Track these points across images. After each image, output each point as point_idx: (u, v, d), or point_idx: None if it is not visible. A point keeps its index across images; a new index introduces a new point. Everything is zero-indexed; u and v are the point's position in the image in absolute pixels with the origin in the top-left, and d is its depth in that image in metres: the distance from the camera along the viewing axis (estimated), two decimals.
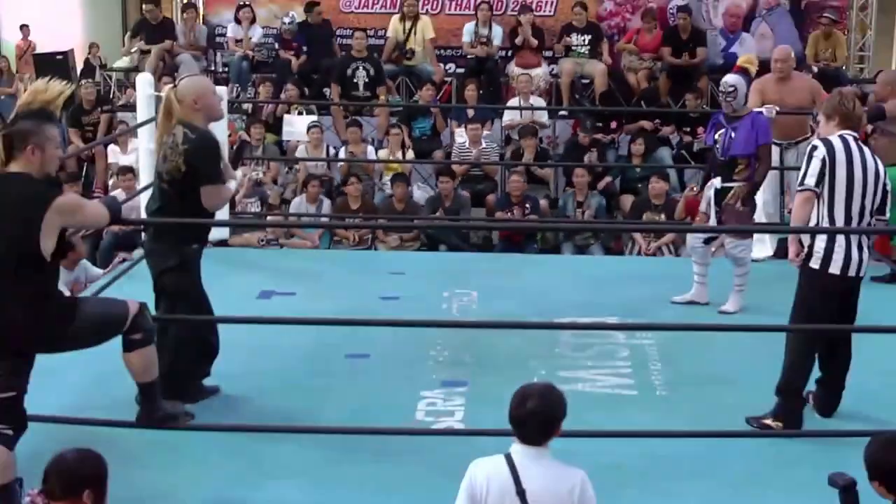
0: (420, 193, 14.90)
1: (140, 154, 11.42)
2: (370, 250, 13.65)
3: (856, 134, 7.25)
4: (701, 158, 15.30)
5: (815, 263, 7.10)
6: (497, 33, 17.21)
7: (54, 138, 5.81)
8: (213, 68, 18.01)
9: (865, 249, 7.18)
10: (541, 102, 16.44)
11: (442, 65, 17.74)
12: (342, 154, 15.20)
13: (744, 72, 9.73)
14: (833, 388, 7.42)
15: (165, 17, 18.31)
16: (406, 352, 8.36)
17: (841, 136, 7.15)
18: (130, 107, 15.12)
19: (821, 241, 7.07)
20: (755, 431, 7.11)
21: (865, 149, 7.22)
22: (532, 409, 4.77)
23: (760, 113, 9.78)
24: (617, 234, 14.16)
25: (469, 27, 17.28)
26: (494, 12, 17.57)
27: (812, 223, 7.16)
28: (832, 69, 16.88)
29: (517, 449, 4.77)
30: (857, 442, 6.77)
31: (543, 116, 16.21)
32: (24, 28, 21.55)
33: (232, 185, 7.27)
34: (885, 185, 7.26)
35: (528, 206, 14.02)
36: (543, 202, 14.59)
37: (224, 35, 17.97)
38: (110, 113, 16.59)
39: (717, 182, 9.73)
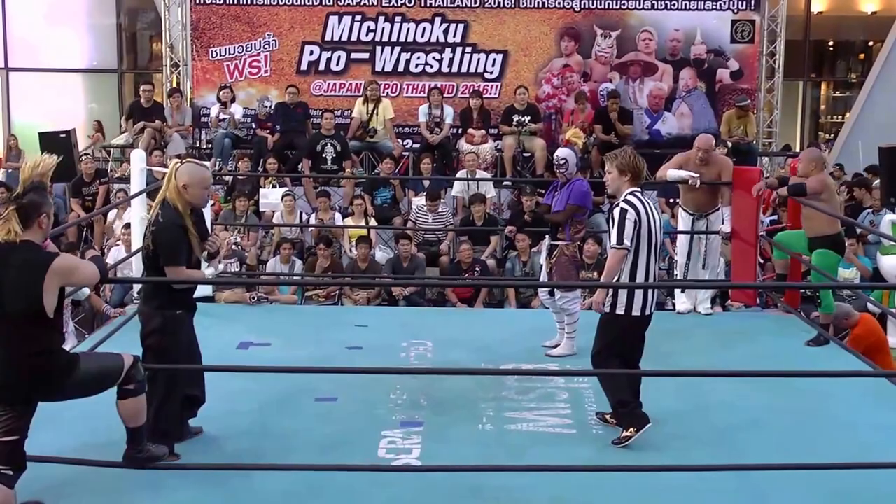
0: (381, 255, 14.84)
1: (133, 220, 11.35)
2: (337, 305, 13.55)
3: (640, 189, 7.52)
4: None
5: (620, 310, 7.43)
6: (448, 113, 17.27)
7: (52, 206, 5.90)
8: (198, 145, 17.95)
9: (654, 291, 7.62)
10: (487, 175, 16.42)
11: (400, 141, 17.83)
12: (313, 220, 15.15)
13: (572, 145, 9.83)
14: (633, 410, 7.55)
15: (156, 100, 18.31)
16: (369, 395, 8.24)
17: (635, 195, 7.43)
18: (126, 179, 15.01)
19: (623, 292, 7.38)
20: (682, 464, 7.00)
21: (648, 200, 7.50)
22: None
23: (580, 180, 9.77)
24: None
25: (423, 108, 17.39)
26: (446, 95, 17.65)
27: (623, 275, 7.46)
28: (745, 144, 17.08)
29: None
30: (770, 473, 6.77)
31: (489, 187, 16.15)
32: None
33: (209, 271, 7.12)
34: (662, 228, 7.73)
35: (478, 269, 13.97)
36: (491, 262, 14.55)
37: (209, 115, 17.90)
38: (108, 185, 16.48)
39: (547, 240, 9.88)
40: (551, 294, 9.85)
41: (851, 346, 10.43)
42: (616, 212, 7.39)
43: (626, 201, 7.38)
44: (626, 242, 7.30)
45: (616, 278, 7.45)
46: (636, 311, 7.39)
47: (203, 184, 7.01)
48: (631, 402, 7.39)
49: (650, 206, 7.44)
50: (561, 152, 9.74)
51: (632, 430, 7.33)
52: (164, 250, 6.82)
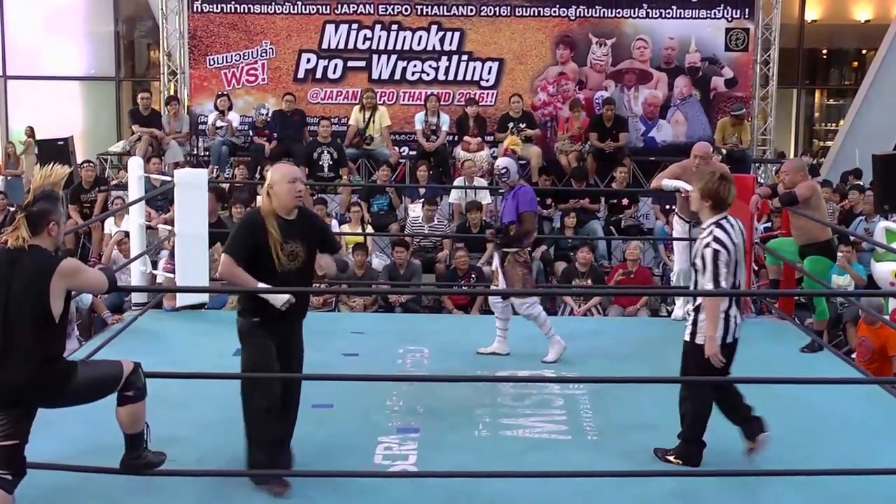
0: (378, 262, 14.84)
1: (131, 227, 11.33)
2: (334, 312, 13.53)
3: (726, 213, 7.13)
4: (627, 231, 15.46)
5: (700, 339, 6.97)
6: (444, 120, 17.28)
7: (63, 214, 5.94)
8: (195, 152, 17.95)
9: (739, 312, 7.09)
10: (483, 182, 16.42)
11: (397, 148, 17.82)
12: None
13: (512, 153, 9.89)
14: (746, 418, 7.23)
15: (154, 108, 18.30)
16: (365, 402, 8.23)
17: (722, 227, 7.03)
18: (123, 186, 14.99)
19: (703, 322, 6.96)
20: (678, 470, 7.01)
21: (735, 222, 7.15)
22: None
23: (524, 186, 9.85)
24: (551, 296, 14.09)
25: (420, 116, 17.41)
26: (442, 103, 17.65)
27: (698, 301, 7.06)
28: (739, 151, 17.08)
29: None
30: (765, 480, 6.77)
31: (485, 195, 16.14)
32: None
33: (279, 299, 6.78)
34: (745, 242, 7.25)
35: (474, 276, 14.00)
36: (487, 269, 14.55)
37: (206, 123, 17.91)
38: (106, 192, 16.46)
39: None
40: (504, 298, 9.86)
41: (891, 345, 10.81)
42: (708, 253, 6.96)
43: (715, 240, 6.96)
44: (724, 284, 6.89)
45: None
46: (719, 341, 6.95)
47: (286, 177, 6.71)
48: (700, 444, 7.08)
49: (734, 233, 7.05)
50: (501, 161, 9.81)
51: (680, 461, 7.10)
52: (231, 236, 6.78)
